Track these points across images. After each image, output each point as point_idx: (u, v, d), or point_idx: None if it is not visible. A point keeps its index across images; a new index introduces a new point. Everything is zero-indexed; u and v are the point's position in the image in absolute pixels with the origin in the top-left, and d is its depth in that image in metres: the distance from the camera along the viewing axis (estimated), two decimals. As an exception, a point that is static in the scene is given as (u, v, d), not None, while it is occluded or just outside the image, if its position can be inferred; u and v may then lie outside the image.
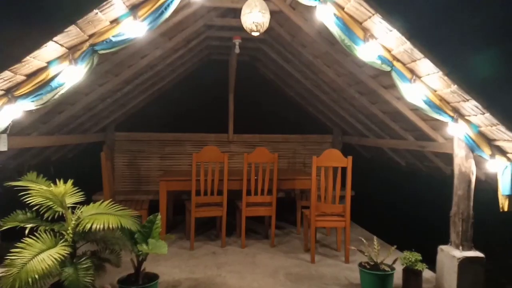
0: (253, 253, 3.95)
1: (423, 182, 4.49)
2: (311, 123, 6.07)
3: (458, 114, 2.75)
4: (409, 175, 4.77)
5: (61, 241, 2.48)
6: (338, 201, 3.66)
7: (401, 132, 3.97)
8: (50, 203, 2.57)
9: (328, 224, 3.80)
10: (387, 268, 2.93)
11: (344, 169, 3.61)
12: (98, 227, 2.46)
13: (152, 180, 5.29)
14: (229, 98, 5.46)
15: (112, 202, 2.73)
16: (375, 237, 3.17)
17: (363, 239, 3.17)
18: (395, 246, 3.18)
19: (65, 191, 2.59)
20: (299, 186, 4.35)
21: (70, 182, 2.63)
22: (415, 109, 3.25)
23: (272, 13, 2.80)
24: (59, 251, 2.34)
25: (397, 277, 3.00)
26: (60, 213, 2.63)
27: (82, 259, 2.51)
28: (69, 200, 2.70)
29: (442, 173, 4.06)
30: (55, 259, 2.28)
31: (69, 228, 2.52)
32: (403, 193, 4.67)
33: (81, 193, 2.77)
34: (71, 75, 2.46)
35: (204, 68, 5.55)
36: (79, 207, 2.67)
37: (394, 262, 2.99)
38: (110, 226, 2.49)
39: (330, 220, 3.68)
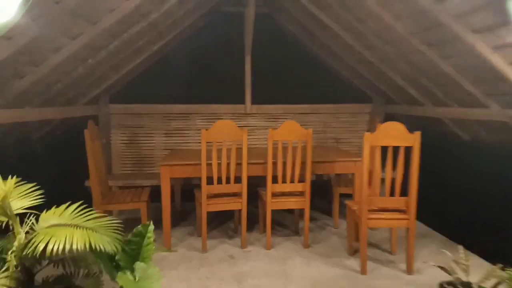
0: (282, 257, 3.08)
1: (498, 165, 3.46)
2: (345, 90, 5.02)
3: None
4: (476, 154, 3.74)
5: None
6: (399, 193, 2.71)
7: (481, 98, 2.93)
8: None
9: (386, 224, 2.86)
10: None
11: (400, 150, 2.64)
12: (55, 248, 1.59)
13: (156, 161, 4.42)
14: (246, 60, 4.45)
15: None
16: (460, 247, 2.22)
17: (446, 252, 2.22)
18: (499, 265, 2.17)
19: (7, 191, 1.71)
20: (341, 171, 3.39)
21: (12, 180, 1.75)
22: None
23: None
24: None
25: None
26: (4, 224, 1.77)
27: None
28: (20, 204, 1.83)
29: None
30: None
31: (13, 249, 1.65)
32: (468, 177, 3.66)
33: (39, 192, 1.90)
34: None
35: (214, 23, 4.52)
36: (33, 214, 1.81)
37: (496, 286, 2.05)
38: (75, 245, 1.62)
39: (388, 219, 2.74)
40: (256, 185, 3.48)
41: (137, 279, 1.69)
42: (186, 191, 4.10)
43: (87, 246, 1.63)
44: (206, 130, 3.01)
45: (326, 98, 4.79)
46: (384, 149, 2.74)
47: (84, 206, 1.91)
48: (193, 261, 3.00)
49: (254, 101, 4.60)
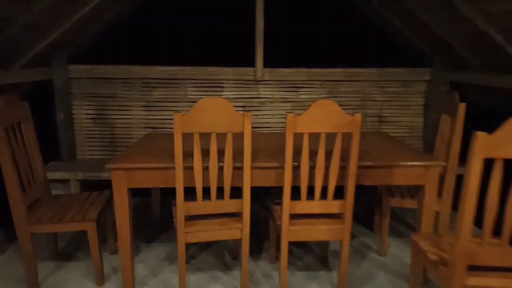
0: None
1: None
2: (393, 51, 3.66)
3: None
4: None
5: None
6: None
7: None
8: None
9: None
10: None
11: None
12: None
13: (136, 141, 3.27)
14: (256, 7, 3.11)
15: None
16: None
17: None
18: None
19: None
20: (404, 181, 2.12)
21: None
22: None
23: None
24: None
25: None
26: None
27: None
28: None
29: None
30: None
31: None
32: None
33: None
34: None
35: None
36: None
37: None
38: None
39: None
40: (266, 193, 2.30)
41: None
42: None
43: None
44: (183, 115, 1.79)
45: (366, 60, 3.46)
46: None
47: None
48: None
49: (268, 63, 3.31)
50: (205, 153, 1.86)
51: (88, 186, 3.14)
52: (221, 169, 1.90)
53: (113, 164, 1.91)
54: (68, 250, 2.53)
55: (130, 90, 3.32)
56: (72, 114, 3.30)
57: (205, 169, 1.88)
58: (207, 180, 1.90)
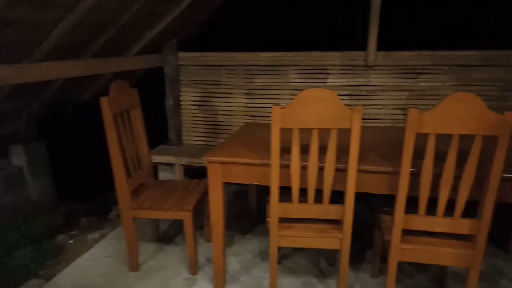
0: None
1: None
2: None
3: None
4: None
5: None
6: None
7: None
8: None
9: None
10: None
11: None
12: None
13: (234, 130, 3.24)
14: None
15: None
16: None
17: None
18: None
19: None
20: None
21: None
22: None
23: None
24: None
25: None
26: None
27: None
28: None
29: None
30: None
31: None
32: None
33: None
34: None
35: None
36: None
37: None
38: None
39: None
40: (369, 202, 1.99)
41: None
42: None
43: None
44: (282, 108, 1.60)
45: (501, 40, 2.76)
46: None
47: None
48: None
49: (382, 46, 2.89)
50: (306, 150, 1.64)
51: (192, 170, 3.23)
52: (321, 170, 1.67)
53: (209, 156, 1.84)
54: (170, 233, 2.62)
55: (233, 77, 3.27)
56: (180, 100, 3.42)
57: (304, 168, 1.68)
58: (306, 181, 1.69)
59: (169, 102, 3.37)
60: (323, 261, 2.27)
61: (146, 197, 2.14)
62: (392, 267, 1.68)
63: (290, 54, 3.10)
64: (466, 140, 1.47)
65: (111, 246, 2.47)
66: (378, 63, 2.95)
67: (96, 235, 2.62)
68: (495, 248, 2.38)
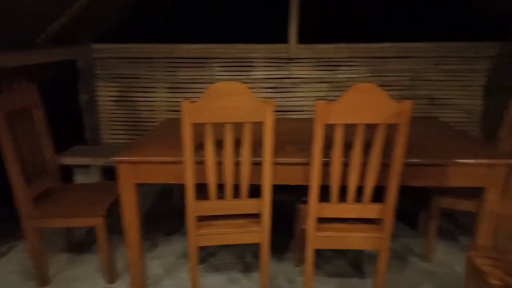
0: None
1: None
2: (454, 23, 3.14)
3: None
4: None
5: None
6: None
7: None
8: None
9: None
10: None
11: None
12: None
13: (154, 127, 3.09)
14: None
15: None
16: None
17: None
18: None
19: None
20: (462, 182, 1.72)
21: None
22: None
23: None
24: None
25: None
26: None
27: None
28: None
29: None
30: None
31: None
32: None
33: None
34: None
35: None
36: None
37: None
38: None
39: None
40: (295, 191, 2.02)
41: None
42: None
43: None
44: (192, 102, 1.53)
45: (420, 33, 2.97)
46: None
47: None
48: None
49: (303, 38, 2.95)
50: (221, 146, 1.60)
51: (112, 171, 3.03)
52: (237, 164, 1.64)
53: (119, 156, 1.71)
54: (85, 240, 2.43)
55: (154, 70, 3.11)
56: (96, 96, 3.17)
57: (221, 164, 1.63)
58: (220, 176, 1.65)
59: (84, 98, 3.11)
60: (249, 255, 2.26)
61: (52, 204, 1.94)
62: (309, 255, 1.72)
63: (214, 46, 3.03)
64: (374, 129, 1.53)
65: (17, 260, 2.22)
66: (300, 56, 3.00)
67: (3, 249, 2.34)
68: (407, 227, 2.57)
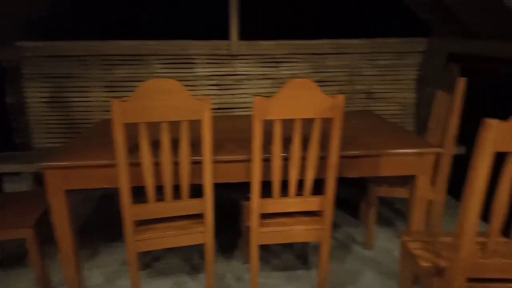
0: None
1: None
2: (386, 21, 3.30)
3: None
4: None
5: None
6: None
7: None
8: None
9: None
10: None
11: None
12: None
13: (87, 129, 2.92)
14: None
15: None
16: None
17: None
18: None
19: None
20: (395, 171, 1.81)
21: None
22: None
23: None
24: None
25: None
26: None
27: None
28: None
29: None
30: None
31: None
32: None
33: None
34: None
35: None
36: None
37: None
38: None
39: None
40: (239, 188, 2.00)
41: None
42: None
43: None
44: (122, 101, 1.45)
45: (355, 31, 3.09)
46: None
47: None
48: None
49: (245, 34, 2.94)
50: (158, 146, 1.53)
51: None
52: (175, 163, 1.59)
53: (46, 164, 1.58)
54: (18, 253, 2.24)
55: (89, 68, 2.93)
56: (25, 98, 2.93)
57: (156, 165, 1.57)
58: (158, 177, 1.59)
59: (10, 100, 2.86)
60: (196, 256, 2.22)
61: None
62: (254, 252, 1.71)
63: (152, 42, 2.92)
64: (311, 125, 1.56)
65: None
66: (242, 53, 2.99)
67: None
68: (349, 217, 2.67)
